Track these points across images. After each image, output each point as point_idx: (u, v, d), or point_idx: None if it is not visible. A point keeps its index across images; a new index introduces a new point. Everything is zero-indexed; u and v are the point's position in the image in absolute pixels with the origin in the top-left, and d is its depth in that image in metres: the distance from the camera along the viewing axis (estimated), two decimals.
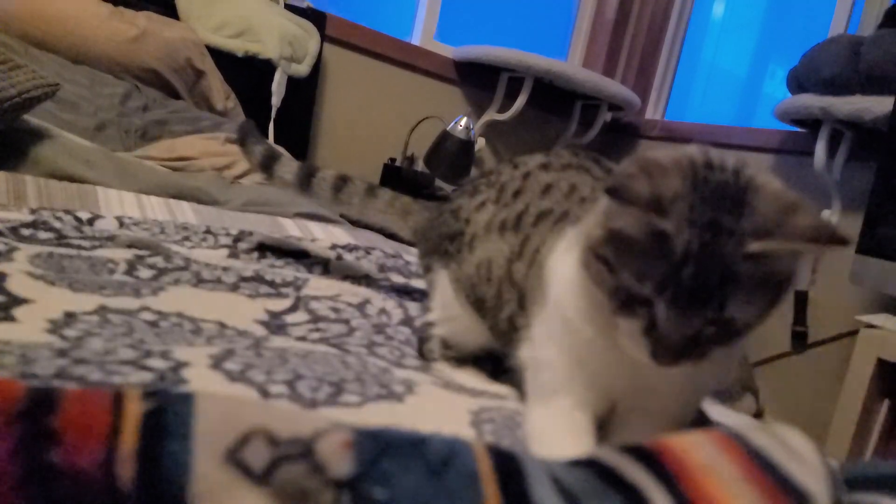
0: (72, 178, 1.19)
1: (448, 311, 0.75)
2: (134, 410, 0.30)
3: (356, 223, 0.91)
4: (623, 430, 0.55)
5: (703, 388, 0.57)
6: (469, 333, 0.74)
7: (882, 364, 1.68)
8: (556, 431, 0.53)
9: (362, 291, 0.89)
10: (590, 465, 0.35)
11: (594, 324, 0.51)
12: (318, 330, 0.75)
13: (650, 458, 0.34)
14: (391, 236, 0.92)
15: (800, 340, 2.43)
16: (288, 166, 0.91)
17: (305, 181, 0.90)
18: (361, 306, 0.84)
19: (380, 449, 0.31)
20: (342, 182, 0.89)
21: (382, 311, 0.86)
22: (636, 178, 0.44)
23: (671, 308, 0.44)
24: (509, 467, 0.33)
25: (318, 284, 0.88)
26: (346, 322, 0.79)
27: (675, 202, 0.43)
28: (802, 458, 0.35)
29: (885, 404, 1.77)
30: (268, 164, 0.91)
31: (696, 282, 0.43)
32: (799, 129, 2.42)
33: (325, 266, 1.01)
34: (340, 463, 0.30)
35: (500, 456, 0.33)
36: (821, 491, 0.33)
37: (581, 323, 0.52)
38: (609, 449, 0.36)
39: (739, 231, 0.43)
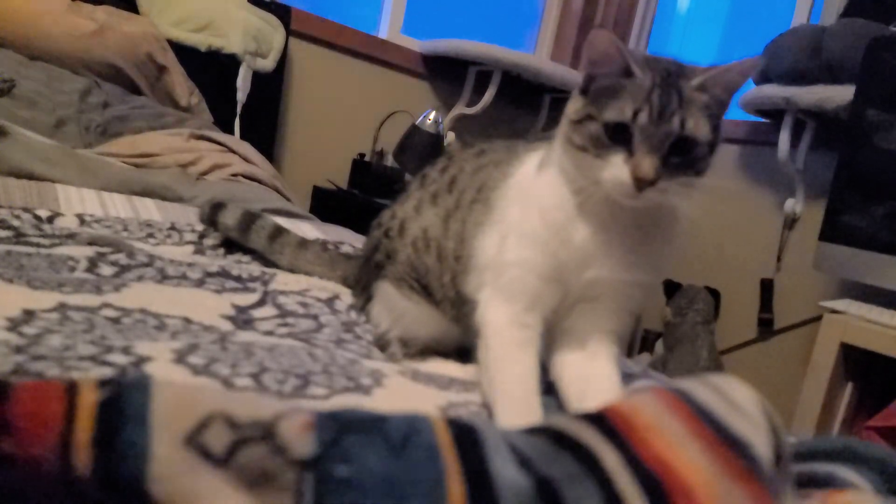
0: (30, 176, 1.15)
1: (396, 311, 0.78)
2: (89, 399, 0.29)
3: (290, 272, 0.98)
4: (576, 323, 0.65)
5: (640, 279, 0.64)
6: (421, 323, 0.77)
7: (845, 348, 1.72)
8: (507, 340, 0.63)
9: (331, 286, 0.88)
10: (544, 432, 0.37)
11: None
12: (286, 325, 0.75)
13: (600, 421, 0.36)
14: None
15: (766, 327, 2.48)
16: (231, 212, 0.99)
17: (245, 226, 0.98)
18: (330, 301, 0.84)
19: (341, 428, 0.31)
20: (277, 232, 0.97)
21: (352, 307, 0.85)
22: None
23: (645, 129, 0.56)
24: (468, 439, 0.34)
25: (285, 279, 0.87)
26: (315, 318, 0.78)
27: (637, 59, 0.58)
28: (743, 411, 0.37)
29: (849, 387, 1.81)
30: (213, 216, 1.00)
31: (661, 103, 0.56)
32: (763, 120, 2.47)
33: None
34: (302, 443, 0.30)
35: (460, 428, 0.34)
36: (761, 441, 0.35)
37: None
38: (562, 416, 0.38)
39: (686, 73, 0.58)
